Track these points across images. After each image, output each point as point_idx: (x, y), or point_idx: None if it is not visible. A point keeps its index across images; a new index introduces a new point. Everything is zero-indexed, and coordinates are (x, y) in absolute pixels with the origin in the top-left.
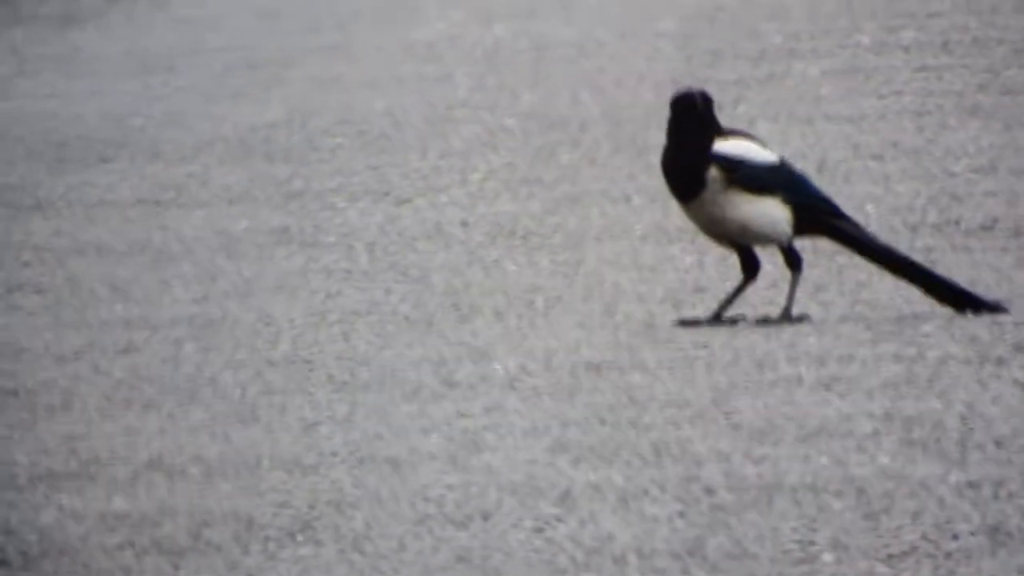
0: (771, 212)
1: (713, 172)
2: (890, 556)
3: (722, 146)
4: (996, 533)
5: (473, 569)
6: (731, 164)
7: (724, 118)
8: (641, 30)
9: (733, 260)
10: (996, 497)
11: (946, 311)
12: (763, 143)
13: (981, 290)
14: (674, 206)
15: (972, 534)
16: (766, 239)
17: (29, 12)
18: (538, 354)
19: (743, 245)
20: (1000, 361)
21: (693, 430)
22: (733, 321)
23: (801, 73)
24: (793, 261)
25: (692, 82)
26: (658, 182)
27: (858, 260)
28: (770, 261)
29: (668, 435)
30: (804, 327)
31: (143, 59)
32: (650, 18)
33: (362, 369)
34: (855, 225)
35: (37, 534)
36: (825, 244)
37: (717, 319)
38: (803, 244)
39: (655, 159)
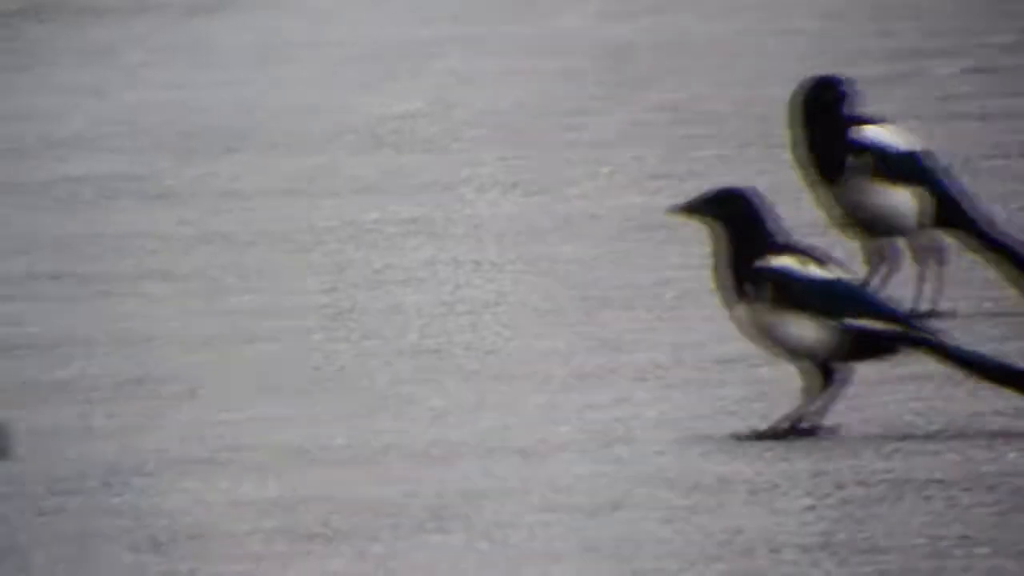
0: (908, 201)
1: (852, 159)
2: (1020, 552)
3: (861, 134)
4: None
5: (602, 559)
6: (871, 150)
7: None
8: (772, 27)
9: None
10: None
11: None
12: (901, 134)
13: None
14: (806, 197)
15: None
16: (900, 229)
17: (157, 2)
18: (667, 347)
19: (877, 237)
20: None
21: (823, 424)
22: None
23: (935, 71)
24: (925, 255)
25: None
26: (790, 176)
27: (988, 256)
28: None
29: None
30: (933, 322)
31: (271, 49)
32: (785, 15)
33: (491, 359)
34: (987, 223)
35: (167, 520)
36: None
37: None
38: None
39: (786, 153)
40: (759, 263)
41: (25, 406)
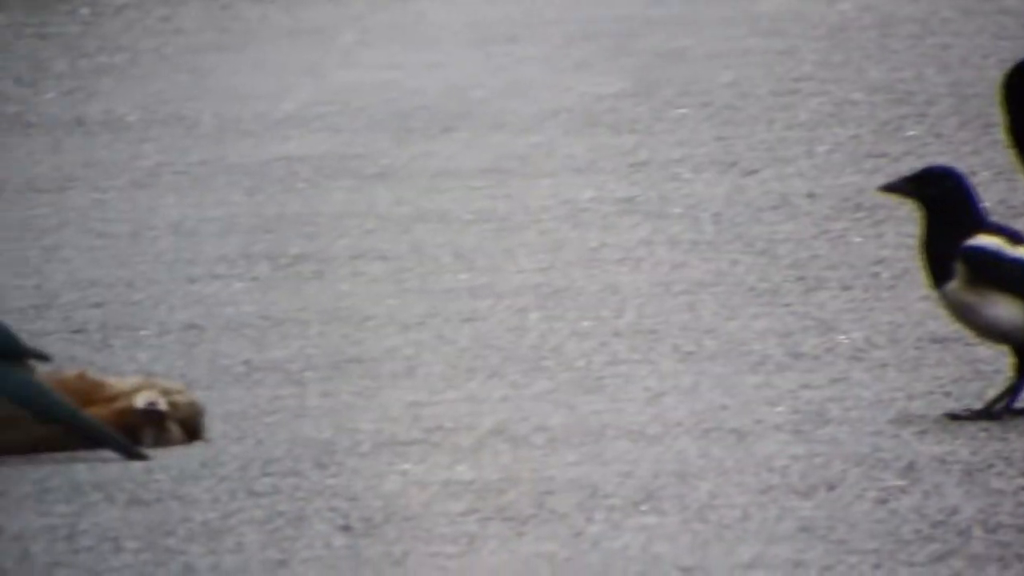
0: None
1: None
2: None
3: None
4: None
5: (816, 539)
6: None
7: None
8: (985, 8)
9: None
10: None
11: None
12: None
13: None
14: (1020, 182)
15: None
16: None
17: None
18: (883, 326)
19: None
20: None
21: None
22: None
23: None
24: None
25: None
26: (1003, 157)
27: None
28: None
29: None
30: None
31: (485, 29)
32: None
33: (707, 340)
34: None
35: (381, 500)
36: None
37: None
38: None
39: (1000, 135)
40: (965, 243)
41: (240, 386)
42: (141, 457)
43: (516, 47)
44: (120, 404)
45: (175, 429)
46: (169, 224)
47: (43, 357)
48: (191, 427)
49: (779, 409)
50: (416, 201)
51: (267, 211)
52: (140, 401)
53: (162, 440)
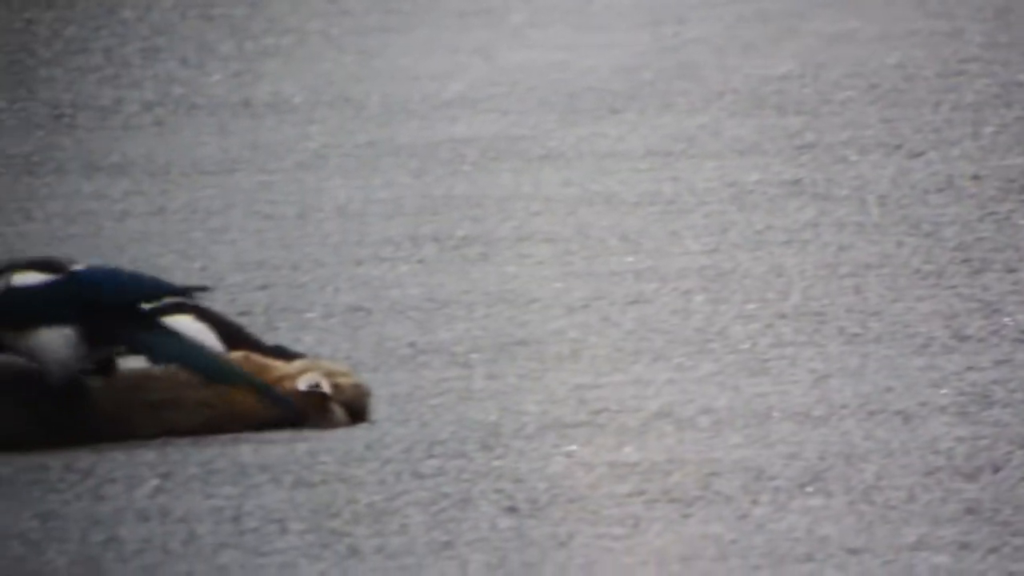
0: None
1: None
2: None
3: None
4: None
5: (982, 521)
6: None
7: None
8: None
9: None
10: None
11: None
12: None
13: None
14: None
15: None
16: None
17: None
18: None
19: None
20: None
21: None
22: None
23: None
24: None
25: None
26: None
27: None
28: None
29: None
30: None
31: (654, 10)
32: None
33: (873, 322)
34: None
35: (547, 482)
36: None
37: None
38: None
39: None
40: None
41: (406, 368)
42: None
43: (684, 28)
44: (284, 386)
45: (339, 411)
46: (335, 206)
47: (202, 289)
48: (356, 409)
49: (944, 391)
50: (582, 183)
51: (434, 193)
52: (303, 383)
53: (326, 422)
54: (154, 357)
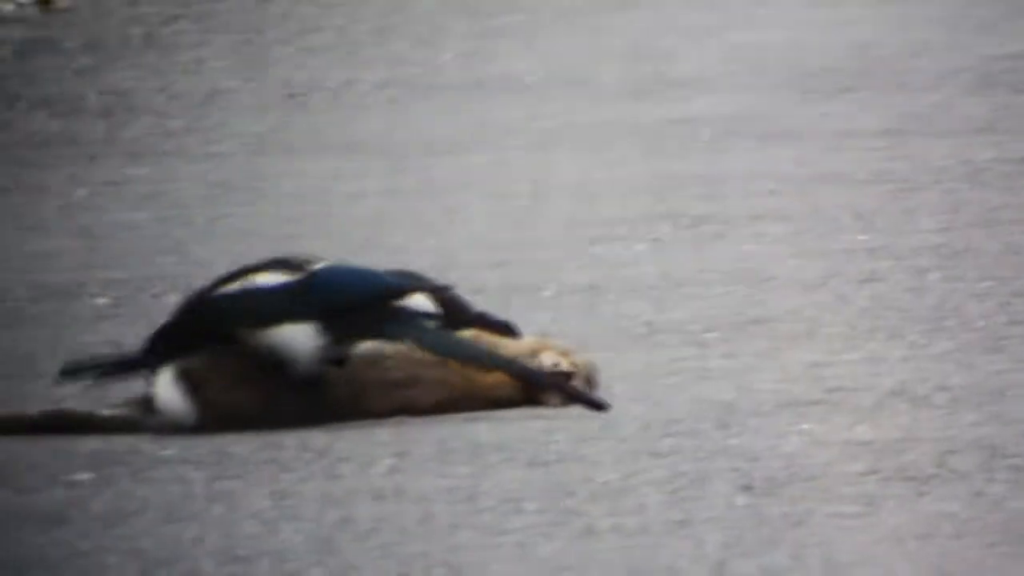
0: None
1: None
2: None
3: None
4: None
5: None
6: None
7: None
8: None
9: None
10: None
11: None
12: None
13: None
14: None
15: None
16: None
17: None
18: None
19: None
20: None
21: None
22: None
23: None
24: None
25: None
26: None
27: None
28: None
29: None
30: None
31: None
32: None
33: None
34: None
35: (782, 460)
36: None
37: None
38: None
39: None
40: None
41: (641, 347)
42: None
43: (918, 6)
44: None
45: (583, 389)
46: (569, 185)
47: (444, 288)
48: (590, 388)
49: None
50: (816, 161)
51: (668, 172)
52: (546, 362)
53: (567, 401)
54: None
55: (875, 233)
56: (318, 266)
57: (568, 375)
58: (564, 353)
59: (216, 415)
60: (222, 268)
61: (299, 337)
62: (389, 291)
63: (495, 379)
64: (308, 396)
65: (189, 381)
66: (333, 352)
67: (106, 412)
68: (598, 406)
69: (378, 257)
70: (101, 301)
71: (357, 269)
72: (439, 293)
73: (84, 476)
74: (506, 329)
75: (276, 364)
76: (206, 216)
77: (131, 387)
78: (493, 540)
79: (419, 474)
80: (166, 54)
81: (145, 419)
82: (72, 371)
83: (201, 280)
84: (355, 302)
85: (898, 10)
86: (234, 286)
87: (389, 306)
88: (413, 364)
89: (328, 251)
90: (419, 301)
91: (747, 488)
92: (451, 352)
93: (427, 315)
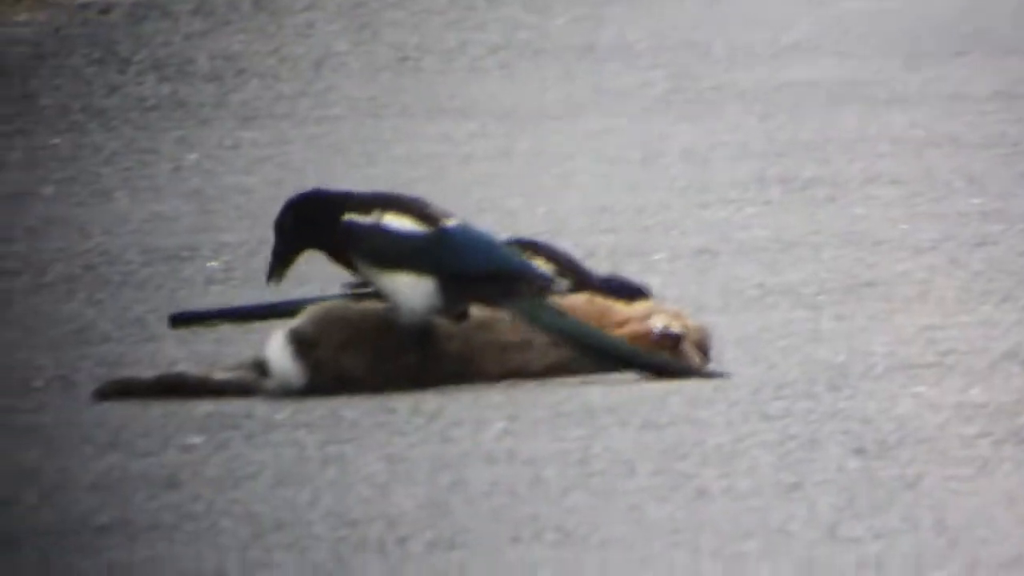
0: None
1: None
2: None
3: None
4: None
5: None
6: None
7: None
8: None
9: None
10: None
11: None
12: None
13: None
14: None
15: None
16: None
17: None
18: None
19: None
20: None
21: None
22: None
23: None
24: None
25: None
26: None
27: None
28: None
29: None
30: None
31: None
32: None
33: None
34: None
35: (894, 423)
36: None
37: None
38: None
39: None
40: None
41: (753, 310)
42: (671, 369)
43: None
44: (632, 329)
45: (693, 353)
46: (680, 150)
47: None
48: (701, 351)
49: None
50: (928, 125)
51: (779, 136)
52: (657, 325)
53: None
54: (519, 319)
55: (988, 197)
56: (449, 223)
57: (680, 338)
58: (676, 316)
59: (328, 377)
60: None
61: (417, 289)
62: (512, 269)
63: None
64: (420, 358)
65: (301, 344)
66: (448, 311)
67: (220, 376)
68: (706, 375)
69: (491, 221)
70: (213, 265)
71: (486, 238)
72: (557, 259)
73: (197, 440)
74: (637, 292)
75: (387, 318)
76: (318, 180)
77: (244, 351)
78: (605, 503)
79: (531, 437)
80: (277, 17)
81: (258, 382)
82: (183, 320)
83: None
84: (478, 271)
85: None
86: (369, 218)
87: (510, 280)
88: (526, 327)
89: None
90: (541, 269)
91: (859, 451)
92: (568, 339)
93: (546, 283)
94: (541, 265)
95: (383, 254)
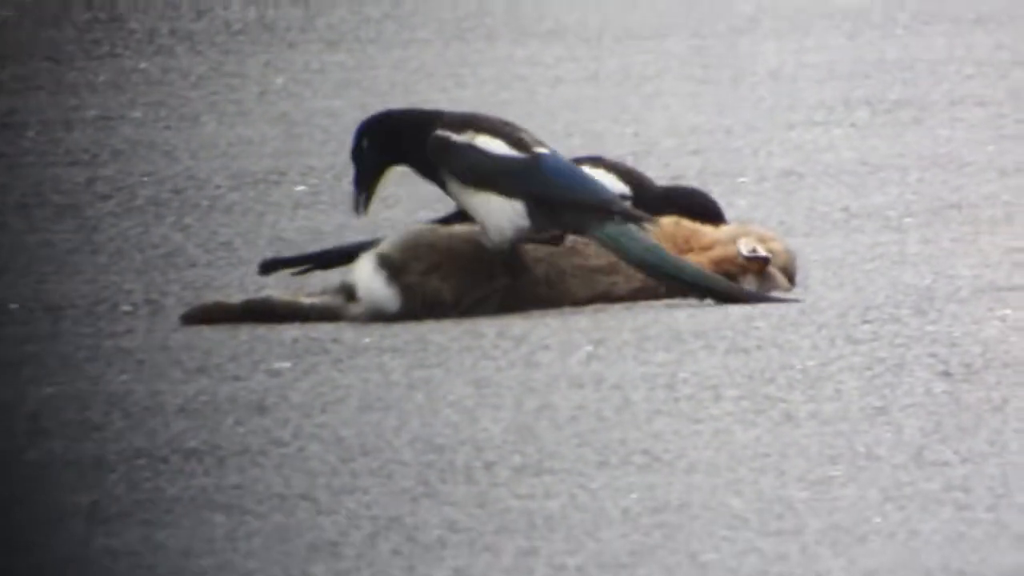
0: None
1: None
2: None
3: None
4: None
5: None
6: None
7: None
8: None
9: None
10: None
11: None
12: None
13: None
14: None
15: None
16: None
17: None
18: None
19: None
20: None
21: None
22: None
23: None
24: None
25: None
26: None
27: None
28: None
29: None
30: None
31: None
32: None
33: None
34: None
35: (980, 346)
36: None
37: None
38: None
39: None
40: None
41: (839, 233)
42: (750, 298)
43: None
44: (718, 252)
45: (778, 275)
46: (768, 70)
47: (639, 219)
48: (787, 274)
49: None
50: (1015, 46)
51: (867, 56)
52: (744, 248)
53: (766, 287)
54: (603, 246)
55: None
56: (542, 151)
57: (766, 260)
58: (762, 239)
59: (417, 302)
60: None
61: (507, 211)
62: (600, 203)
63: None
64: (508, 280)
65: (389, 268)
66: (535, 236)
67: (307, 300)
68: (742, 298)
69: (579, 143)
70: (300, 188)
71: (577, 171)
72: (619, 171)
73: (285, 364)
74: (699, 202)
75: (476, 242)
76: (405, 103)
77: (331, 276)
78: (692, 427)
79: (618, 361)
80: None
81: (346, 307)
82: (270, 266)
83: (399, 168)
84: (568, 198)
85: None
86: (462, 137)
87: (597, 209)
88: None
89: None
90: (609, 182)
91: (945, 374)
92: (649, 268)
93: (630, 215)
94: (605, 177)
95: (476, 173)
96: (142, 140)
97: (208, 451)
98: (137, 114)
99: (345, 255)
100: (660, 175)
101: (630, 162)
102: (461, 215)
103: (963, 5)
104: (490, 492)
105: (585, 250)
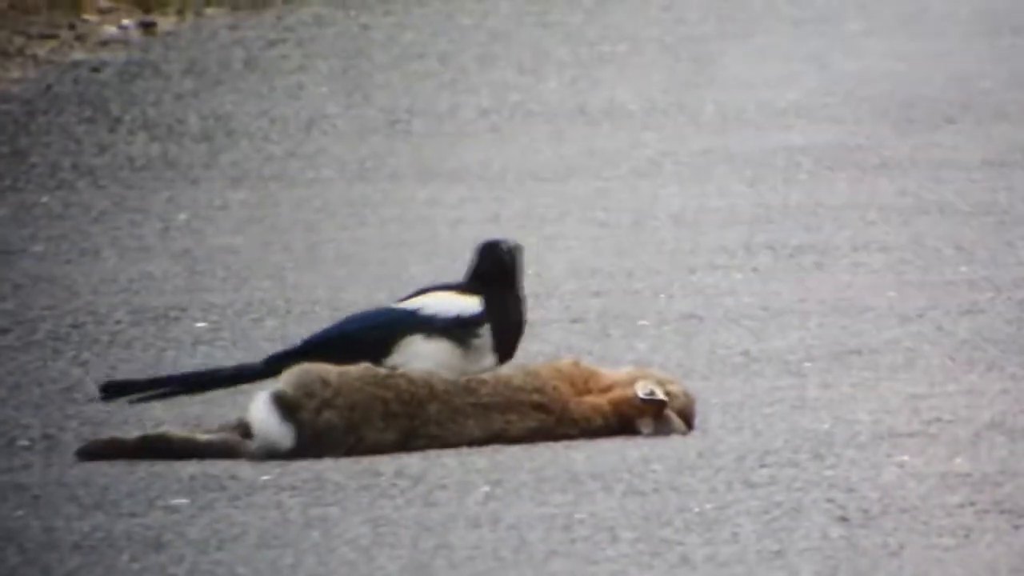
0: None
1: None
2: None
3: None
4: None
5: None
6: None
7: None
8: None
9: None
10: None
11: None
12: None
13: None
14: None
15: None
16: None
17: None
18: None
19: None
20: None
21: None
22: None
23: None
24: None
25: None
26: None
27: None
28: None
29: None
30: None
31: (990, 20)
32: None
33: None
34: None
35: (879, 492)
36: None
37: None
38: None
39: None
40: None
41: (739, 376)
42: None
43: (1021, 38)
44: (617, 393)
45: (676, 418)
46: (670, 214)
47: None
48: (685, 417)
49: None
50: (917, 192)
51: (769, 201)
52: (641, 390)
53: (662, 430)
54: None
55: (976, 265)
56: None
57: (663, 404)
58: (661, 382)
59: (311, 437)
60: (321, 294)
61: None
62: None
63: (591, 406)
64: (402, 420)
65: (283, 405)
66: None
67: (204, 437)
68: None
69: None
70: (200, 325)
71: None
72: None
73: (182, 501)
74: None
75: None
76: (306, 242)
77: (229, 413)
78: (588, 569)
79: (515, 502)
80: (267, 79)
81: (242, 444)
82: (114, 390)
83: (300, 306)
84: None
85: (1000, 42)
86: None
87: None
88: (509, 389)
89: (428, 278)
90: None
91: (843, 519)
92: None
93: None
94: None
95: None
96: (42, 274)
97: None
98: (38, 248)
99: (191, 382)
100: (560, 317)
101: (530, 303)
102: None
103: (867, 151)
104: None
105: (480, 388)
